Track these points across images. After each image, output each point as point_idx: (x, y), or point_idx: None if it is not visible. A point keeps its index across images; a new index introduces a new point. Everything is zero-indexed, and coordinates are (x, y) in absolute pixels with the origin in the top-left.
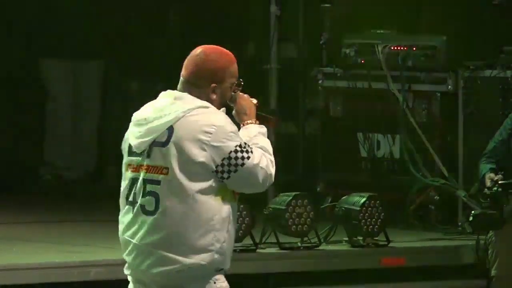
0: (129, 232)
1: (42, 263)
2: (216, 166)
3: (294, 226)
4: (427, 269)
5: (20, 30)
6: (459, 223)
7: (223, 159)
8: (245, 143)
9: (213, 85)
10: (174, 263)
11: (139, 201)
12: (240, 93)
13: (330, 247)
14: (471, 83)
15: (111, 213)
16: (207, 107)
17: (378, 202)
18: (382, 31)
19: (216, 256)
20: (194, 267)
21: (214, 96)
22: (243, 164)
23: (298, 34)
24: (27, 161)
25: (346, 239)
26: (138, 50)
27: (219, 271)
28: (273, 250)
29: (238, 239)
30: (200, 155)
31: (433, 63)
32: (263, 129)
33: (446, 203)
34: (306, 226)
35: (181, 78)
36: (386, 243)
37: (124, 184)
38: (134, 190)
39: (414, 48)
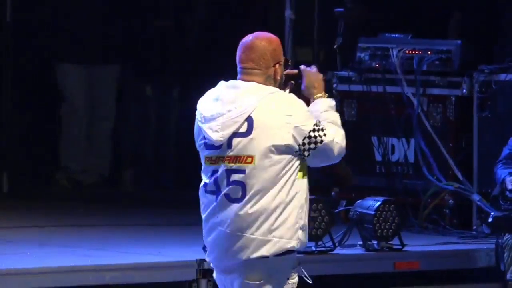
0: (216, 220)
1: (57, 267)
2: (299, 145)
3: (309, 230)
4: (442, 273)
5: (35, 35)
6: (474, 227)
7: (304, 138)
8: (318, 121)
9: (277, 65)
10: (266, 247)
11: (223, 191)
12: (308, 68)
13: (344, 251)
14: (486, 87)
15: (126, 217)
16: (276, 92)
17: (392, 206)
18: (396, 35)
19: (300, 233)
20: (289, 248)
21: (278, 76)
22: (321, 141)
23: (312, 38)
24: (43, 165)
25: (361, 243)
26: (154, 54)
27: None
28: None
29: None
30: (286, 138)
31: (448, 67)
32: (332, 102)
33: (461, 207)
34: (320, 230)
35: (241, 69)
36: (400, 247)
37: (204, 176)
38: (215, 181)
39: (429, 52)
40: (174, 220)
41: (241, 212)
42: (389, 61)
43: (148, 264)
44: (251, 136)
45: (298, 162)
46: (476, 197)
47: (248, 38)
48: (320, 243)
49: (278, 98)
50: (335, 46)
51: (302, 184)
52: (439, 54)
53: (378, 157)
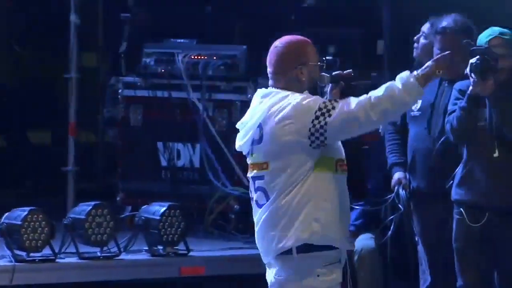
0: (255, 224)
1: None
2: (309, 135)
3: (94, 236)
4: (227, 278)
5: None
6: None
7: (308, 132)
8: (325, 102)
9: (299, 66)
10: (284, 242)
11: (253, 197)
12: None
13: (130, 257)
14: None
15: None
16: (285, 96)
17: (178, 211)
18: (182, 40)
19: (315, 226)
20: (304, 241)
21: (303, 77)
22: (326, 123)
23: (97, 43)
24: None
25: (146, 248)
26: None
27: (329, 249)
28: (73, 260)
29: (37, 249)
30: (288, 133)
31: (233, 72)
32: (408, 78)
33: (246, 212)
34: (106, 235)
35: (268, 74)
36: (186, 252)
37: None
38: (251, 187)
39: (214, 57)
40: None
41: (265, 216)
42: (175, 66)
43: None
44: (262, 142)
45: (310, 158)
46: None
47: (275, 43)
48: (105, 248)
49: (283, 98)
50: (120, 51)
51: (320, 178)
52: (224, 59)
53: (164, 163)
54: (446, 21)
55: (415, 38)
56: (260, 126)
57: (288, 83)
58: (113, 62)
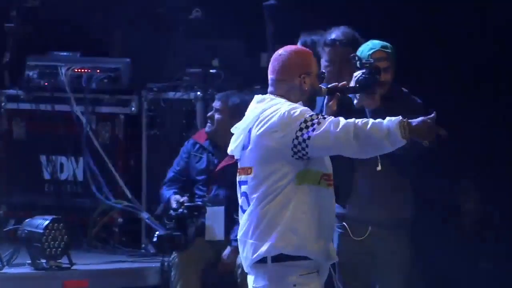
0: (239, 229)
1: None
2: (292, 146)
3: None
4: None
5: None
6: (143, 245)
7: (296, 131)
8: (311, 116)
9: (302, 75)
10: (261, 249)
11: (239, 203)
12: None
13: (12, 270)
14: (155, 105)
15: None
16: (277, 103)
17: (61, 224)
18: (65, 53)
19: (293, 238)
20: (280, 252)
21: (306, 87)
22: (308, 137)
23: None
24: None
25: (29, 261)
26: None
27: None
28: None
29: None
30: (272, 141)
31: (116, 85)
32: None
33: (130, 225)
34: None
35: (269, 81)
36: (69, 265)
37: None
38: (238, 193)
39: (98, 71)
40: None
41: (245, 220)
42: (58, 79)
43: None
44: (249, 147)
45: (293, 169)
46: (145, 215)
47: (278, 51)
48: None
49: (275, 106)
50: (3, 63)
51: (301, 190)
52: (108, 72)
53: (47, 176)
54: (335, 33)
55: None
56: (249, 131)
57: (289, 91)
58: None
